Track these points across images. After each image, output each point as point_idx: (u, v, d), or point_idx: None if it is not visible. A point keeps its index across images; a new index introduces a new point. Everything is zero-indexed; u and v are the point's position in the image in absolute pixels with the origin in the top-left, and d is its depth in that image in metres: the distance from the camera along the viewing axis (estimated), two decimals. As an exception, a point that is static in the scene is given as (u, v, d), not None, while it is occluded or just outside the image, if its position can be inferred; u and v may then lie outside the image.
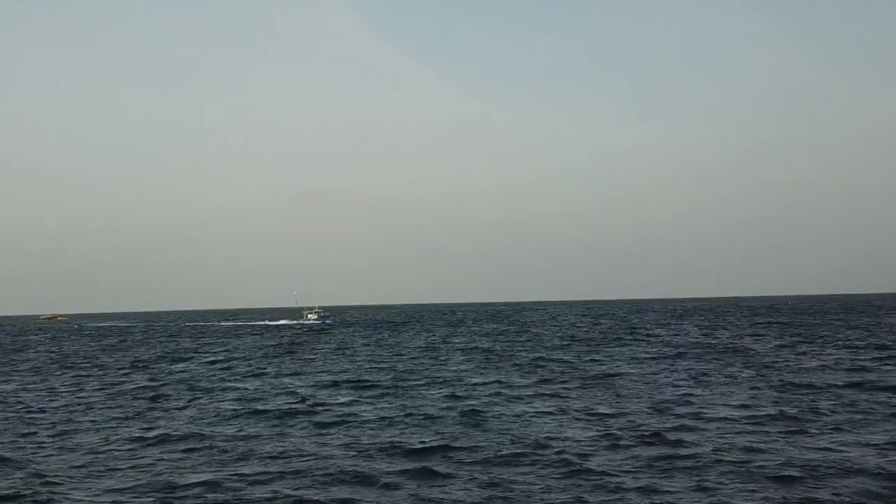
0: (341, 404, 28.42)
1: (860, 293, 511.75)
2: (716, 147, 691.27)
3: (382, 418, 24.81)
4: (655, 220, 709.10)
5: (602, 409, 25.39)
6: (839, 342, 53.16)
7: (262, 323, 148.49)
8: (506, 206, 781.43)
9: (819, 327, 76.25)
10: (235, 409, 27.65)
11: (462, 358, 47.96)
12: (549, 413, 25.10)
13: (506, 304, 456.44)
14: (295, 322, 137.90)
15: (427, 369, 40.91)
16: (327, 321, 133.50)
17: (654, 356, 44.99)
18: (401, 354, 52.88)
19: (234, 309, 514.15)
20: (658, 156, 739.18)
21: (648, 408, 25.41)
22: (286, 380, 37.73)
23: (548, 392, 30.02)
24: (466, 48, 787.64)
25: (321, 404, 28.33)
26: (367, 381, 35.95)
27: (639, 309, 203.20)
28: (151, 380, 39.59)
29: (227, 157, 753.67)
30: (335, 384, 35.16)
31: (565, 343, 60.80)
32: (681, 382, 31.90)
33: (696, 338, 62.59)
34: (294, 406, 28.08)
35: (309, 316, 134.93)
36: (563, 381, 33.37)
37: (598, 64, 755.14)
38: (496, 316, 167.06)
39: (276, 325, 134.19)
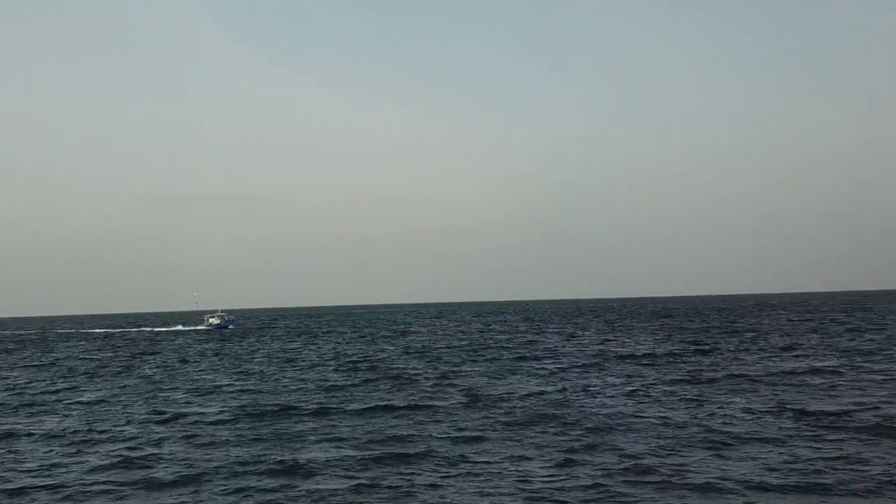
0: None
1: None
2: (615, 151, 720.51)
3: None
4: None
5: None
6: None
7: (149, 329, 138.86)
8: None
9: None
10: None
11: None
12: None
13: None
14: (189, 328, 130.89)
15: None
16: (230, 326, 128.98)
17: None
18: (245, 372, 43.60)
19: (139, 313, 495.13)
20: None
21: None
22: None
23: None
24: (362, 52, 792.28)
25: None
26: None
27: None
28: None
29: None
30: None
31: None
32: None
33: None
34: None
35: (210, 320, 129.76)
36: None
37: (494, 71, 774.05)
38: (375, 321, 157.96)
39: (169, 331, 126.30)
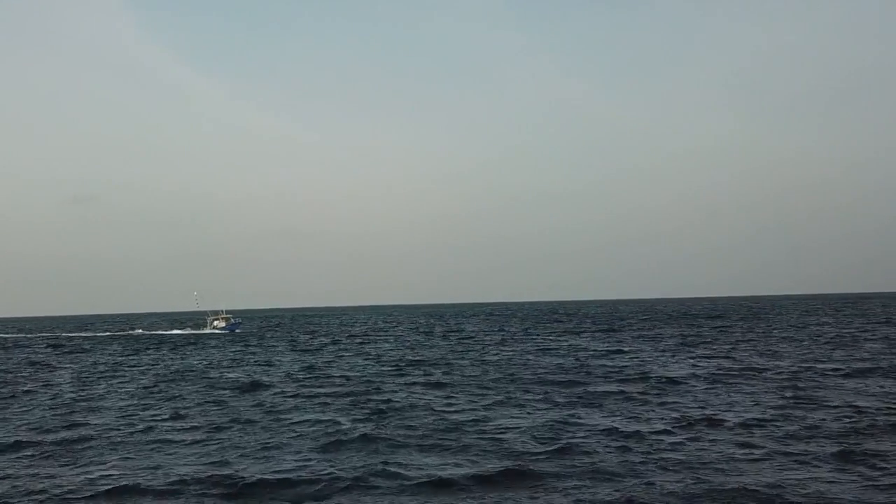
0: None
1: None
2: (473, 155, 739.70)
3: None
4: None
5: None
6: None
7: (159, 332, 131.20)
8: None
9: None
10: None
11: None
12: None
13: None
14: (191, 332, 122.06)
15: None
16: (237, 329, 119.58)
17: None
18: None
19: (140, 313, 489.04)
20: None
21: None
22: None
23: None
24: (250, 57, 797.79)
25: None
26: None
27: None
28: None
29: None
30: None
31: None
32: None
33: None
34: None
35: (215, 323, 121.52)
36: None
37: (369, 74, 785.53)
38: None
39: (178, 335, 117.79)
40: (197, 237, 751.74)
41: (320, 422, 26.76)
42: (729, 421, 24.15)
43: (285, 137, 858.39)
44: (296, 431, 25.11)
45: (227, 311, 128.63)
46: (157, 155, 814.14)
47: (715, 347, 56.35)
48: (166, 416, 29.45)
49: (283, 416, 28.50)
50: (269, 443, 23.31)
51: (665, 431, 22.86)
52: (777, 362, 42.89)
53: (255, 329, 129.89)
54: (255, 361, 57.04)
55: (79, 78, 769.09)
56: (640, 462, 18.90)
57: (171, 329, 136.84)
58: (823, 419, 24.21)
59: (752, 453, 19.60)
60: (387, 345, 74.01)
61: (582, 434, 22.78)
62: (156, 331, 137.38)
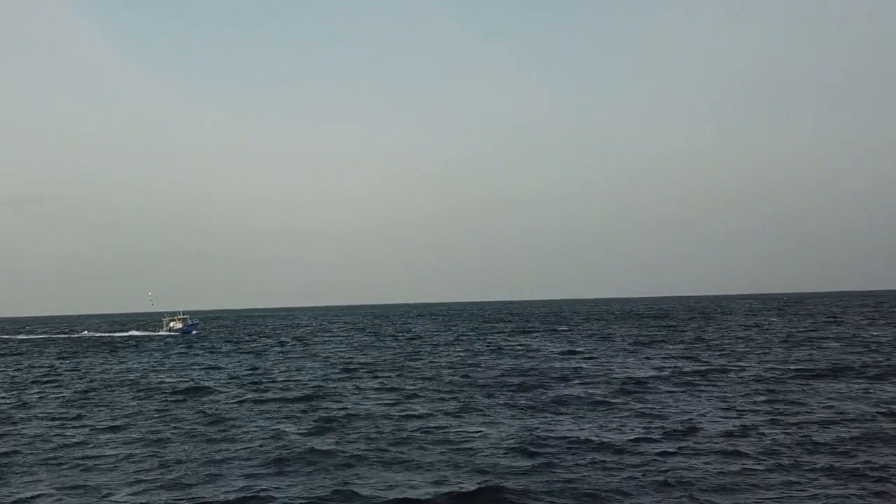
0: None
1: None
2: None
3: None
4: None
5: None
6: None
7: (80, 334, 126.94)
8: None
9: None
10: None
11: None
12: None
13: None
14: (143, 333, 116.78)
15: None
16: (194, 331, 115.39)
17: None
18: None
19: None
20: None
21: None
22: None
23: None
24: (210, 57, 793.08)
25: None
26: None
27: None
28: None
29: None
30: None
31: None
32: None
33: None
34: None
35: (171, 324, 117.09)
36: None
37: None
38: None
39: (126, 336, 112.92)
40: (148, 236, 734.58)
41: (270, 432, 24.71)
42: (708, 428, 22.85)
43: (236, 137, 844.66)
44: (243, 444, 23.02)
45: (185, 313, 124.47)
46: (99, 155, 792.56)
47: (670, 347, 55.65)
48: (102, 427, 27.05)
49: (228, 426, 26.37)
50: (214, 458, 21.18)
51: (644, 440, 21.42)
52: (739, 362, 42.11)
53: (213, 329, 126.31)
54: (198, 365, 54.40)
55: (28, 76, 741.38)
56: (626, 478, 17.35)
57: (119, 331, 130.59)
58: (806, 423, 23.09)
59: (744, 466, 18.24)
60: (334, 346, 71.79)
61: (555, 445, 21.20)
62: (102, 332, 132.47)
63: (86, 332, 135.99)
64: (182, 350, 74.31)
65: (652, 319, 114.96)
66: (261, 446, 22.38)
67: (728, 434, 21.96)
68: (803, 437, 21.29)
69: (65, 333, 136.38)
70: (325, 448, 21.67)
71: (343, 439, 23.11)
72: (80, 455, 22.23)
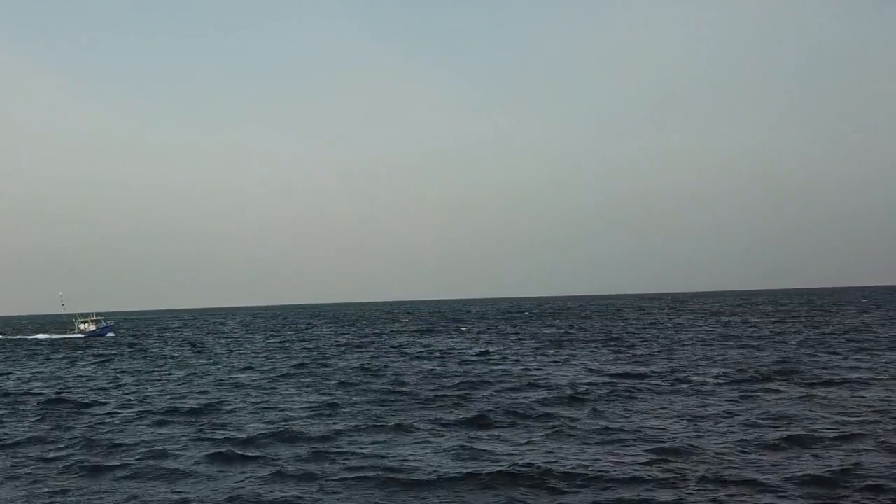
0: None
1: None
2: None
3: None
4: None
5: None
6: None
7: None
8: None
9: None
10: None
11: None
12: None
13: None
14: (45, 337, 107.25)
15: None
16: (109, 333, 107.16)
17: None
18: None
19: None
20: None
21: None
22: None
23: None
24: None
25: None
26: None
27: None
28: None
29: None
30: None
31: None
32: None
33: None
34: None
35: (82, 326, 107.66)
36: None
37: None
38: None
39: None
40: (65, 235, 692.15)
41: (158, 456, 20.05)
42: (699, 452, 19.21)
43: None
44: (127, 470, 18.39)
45: (99, 314, 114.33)
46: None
47: (586, 348, 53.21)
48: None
49: (107, 444, 21.60)
50: (87, 488, 16.50)
51: (618, 469, 17.77)
52: (672, 364, 39.59)
53: (137, 332, 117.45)
54: (70, 374, 48.24)
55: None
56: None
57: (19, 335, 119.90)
58: (804, 435, 20.06)
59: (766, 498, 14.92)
60: (227, 349, 66.30)
61: (510, 470, 17.35)
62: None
63: None
64: (66, 354, 67.81)
65: (550, 319, 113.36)
66: (147, 471, 17.67)
67: (718, 455, 18.71)
68: (811, 455, 18.33)
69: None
70: (237, 491, 17.18)
71: (253, 475, 18.64)
72: None
